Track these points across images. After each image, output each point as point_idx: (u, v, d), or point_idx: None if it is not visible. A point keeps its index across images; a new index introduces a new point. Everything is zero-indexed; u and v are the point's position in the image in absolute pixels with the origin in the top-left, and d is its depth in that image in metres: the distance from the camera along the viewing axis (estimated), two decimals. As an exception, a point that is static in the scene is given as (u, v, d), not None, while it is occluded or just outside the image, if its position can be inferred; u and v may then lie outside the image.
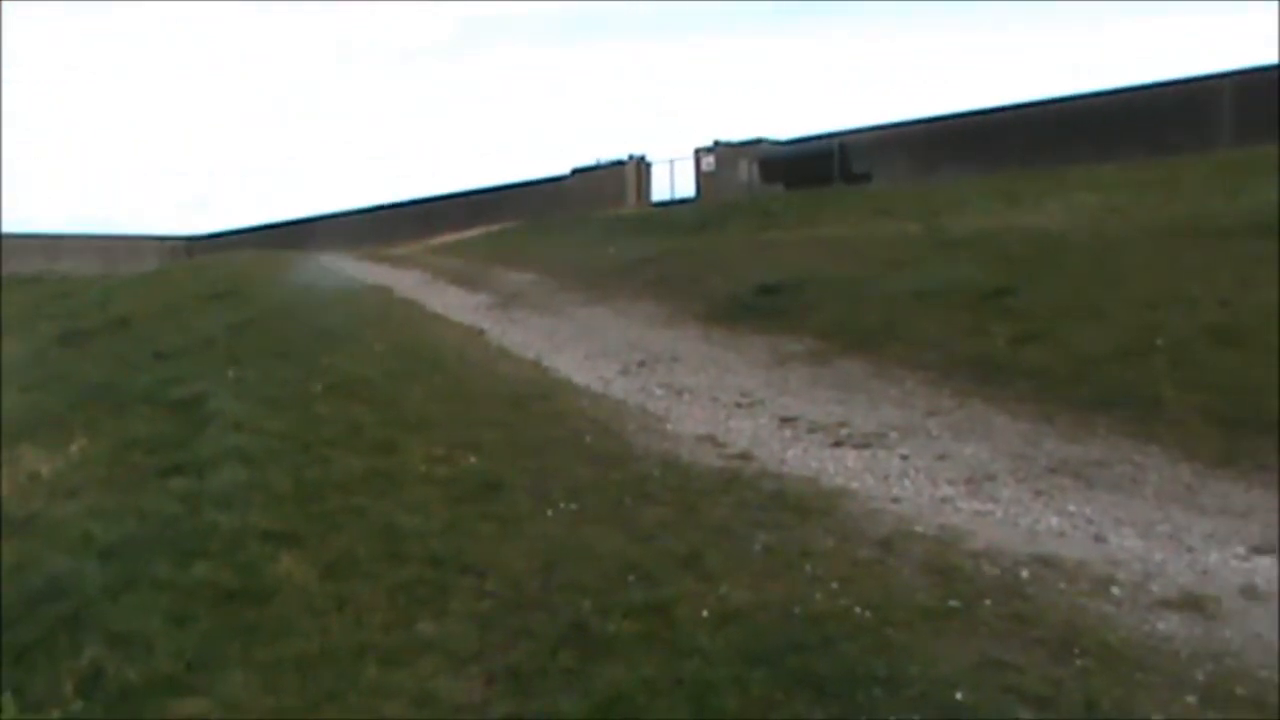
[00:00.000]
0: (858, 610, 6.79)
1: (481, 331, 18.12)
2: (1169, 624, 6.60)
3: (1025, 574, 7.35)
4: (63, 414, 14.33)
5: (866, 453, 10.46)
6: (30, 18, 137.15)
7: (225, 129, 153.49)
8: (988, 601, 6.88)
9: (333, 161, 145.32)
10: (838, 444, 10.82)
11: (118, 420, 13.45)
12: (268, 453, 11.07)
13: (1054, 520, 8.46)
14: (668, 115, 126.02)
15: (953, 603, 6.88)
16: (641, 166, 49.20)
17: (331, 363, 14.65)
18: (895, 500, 9.04)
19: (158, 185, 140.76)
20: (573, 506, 9.12)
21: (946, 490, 9.27)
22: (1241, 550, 7.71)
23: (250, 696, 6.81)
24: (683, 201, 44.72)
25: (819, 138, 41.26)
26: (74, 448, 12.59)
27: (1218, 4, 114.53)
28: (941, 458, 10.17)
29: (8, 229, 66.71)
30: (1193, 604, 6.86)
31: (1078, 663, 6.06)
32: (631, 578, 7.63)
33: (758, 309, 17.23)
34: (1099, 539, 8.05)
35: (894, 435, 10.95)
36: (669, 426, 11.72)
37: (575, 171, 51.12)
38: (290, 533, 9.00)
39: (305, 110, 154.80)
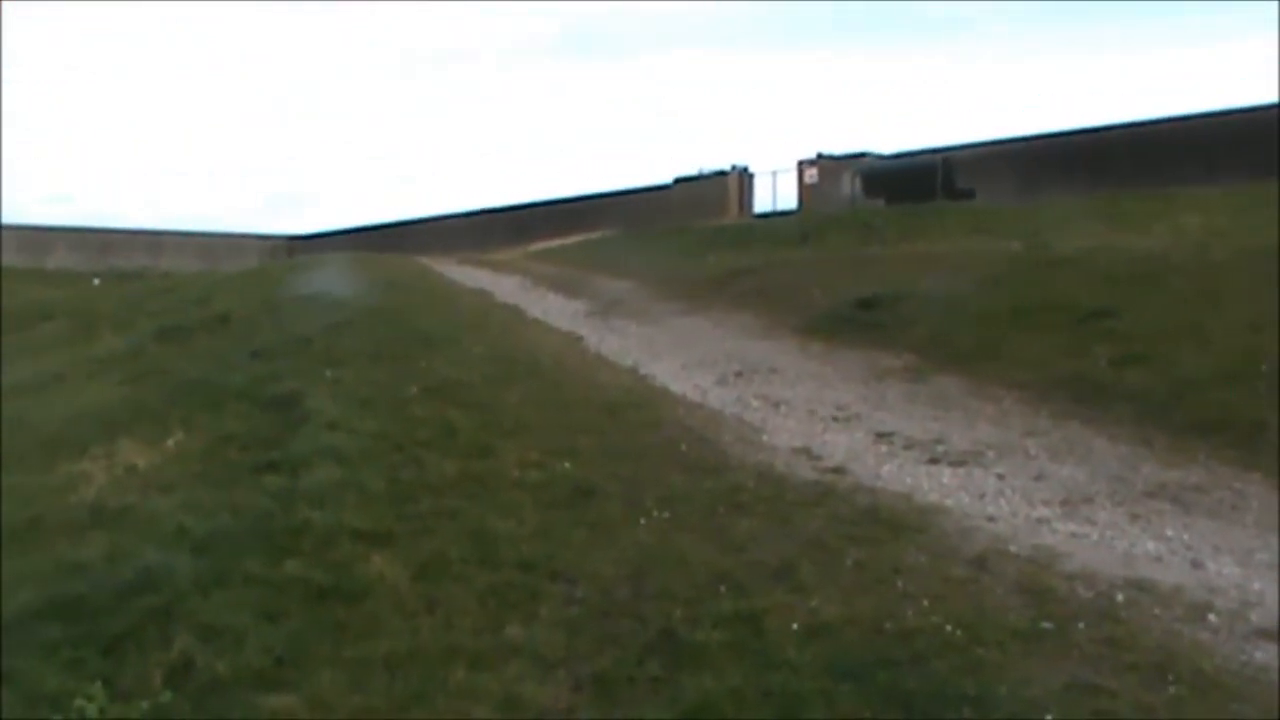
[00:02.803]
0: (949, 628, 6.75)
1: (580, 338, 18.15)
2: (1267, 654, 6.49)
3: (1120, 598, 7.27)
4: (160, 408, 14.45)
5: (962, 470, 10.39)
6: (123, 16, 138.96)
7: (323, 129, 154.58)
8: (1081, 624, 6.81)
9: (435, 164, 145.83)
10: (933, 461, 10.76)
11: (214, 416, 13.55)
12: (362, 453, 11.12)
13: (1150, 545, 8.36)
14: (772, 126, 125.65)
15: (1045, 624, 6.81)
16: (744, 177, 49.08)
17: (429, 365, 14.70)
18: (990, 519, 8.96)
19: (256, 185, 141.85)
20: (665, 515, 9.11)
21: (1042, 511, 9.19)
22: (1342, 582, 7.60)
23: (338, 694, 6.87)
24: (784, 214, 44.58)
25: (923, 153, 41.09)
26: (170, 442, 12.70)
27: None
28: (1038, 478, 10.10)
29: (111, 225, 67.84)
30: (1291, 635, 6.77)
31: (1171, 690, 5.99)
32: (722, 588, 7.62)
33: (856, 323, 17.19)
34: (1196, 565, 7.96)
35: (990, 454, 10.87)
36: (764, 438, 11.69)
37: (678, 181, 51.08)
38: (382, 533, 9.05)
39: (406, 111, 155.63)
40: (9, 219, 65.21)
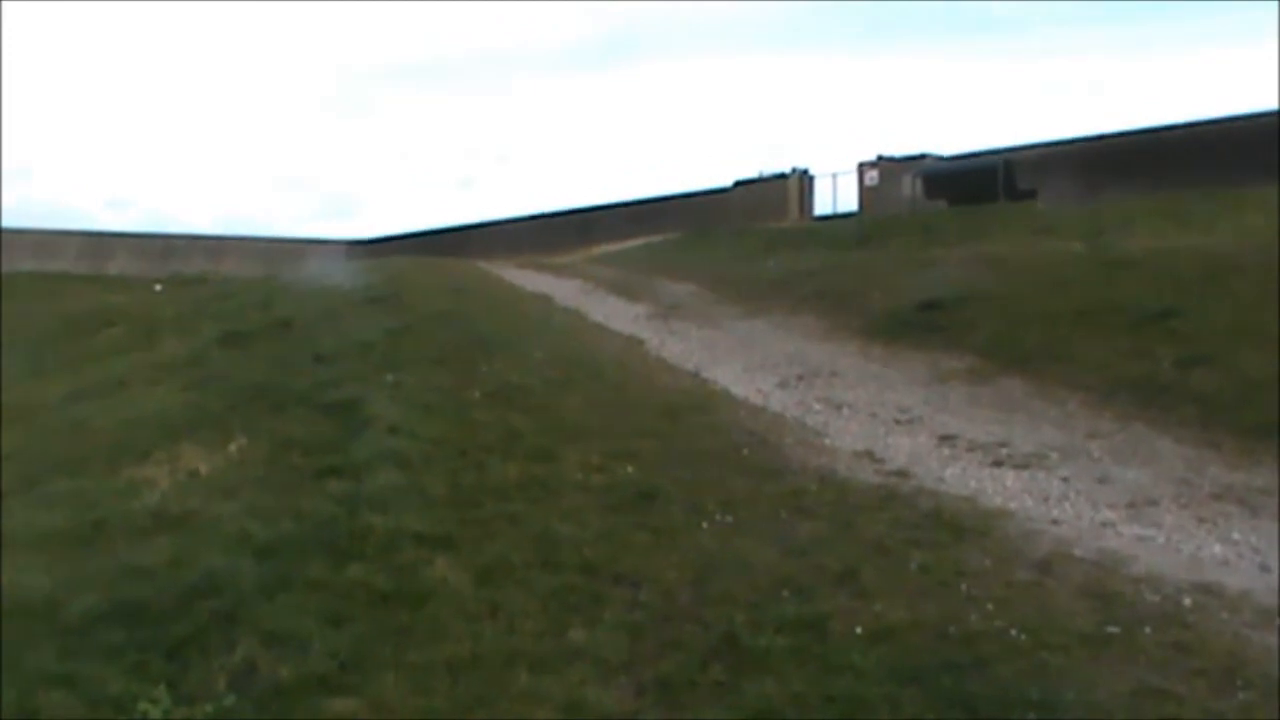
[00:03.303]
0: (1013, 632, 6.72)
1: (641, 342, 18.12)
2: (1338, 658, 6.43)
3: (1187, 602, 7.22)
4: (222, 414, 14.51)
5: (1026, 473, 10.36)
6: (179, 17, 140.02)
7: (381, 132, 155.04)
8: (1147, 629, 6.77)
9: (494, 168, 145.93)
10: (997, 464, 10.72)
11: (276, 421, 13.59)
12: (424, 457, 11.15)
13: (1217, 548, 8.30)
14: (831, 129, 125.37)
15: (1111, 628, 6.77)
16: (804, 180, 48.84)
17: (490, 369, 14.70)
18: (1054, 522, 8.93)
19: (314, 189, 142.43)
20: (728, 519, 9.11)
21: (1107, 514, 9.14)
22: None
23: (401, 698, 6.89)
24: (845, 216, 44.47)
25: (984, 154, 40.80)
26: (233, 447, 12.76)
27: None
28: (1102, 481, 10.04)
29: (171, 229, 68.56)
30: (1362, 639, 6.69)
31: (1240, 695, 5.94)
32: (785, 592, 7.62)
33: (918, 325, 17.12)
34: (1264, 568, 7.89)
35: (1054, 456, 10.83)
36: (827, 441, 11.68)
37: (737, 184, 50.91)
38: (445, 537, 9.07)
39: (464, 113, 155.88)
40: (72, 225, 66.25)
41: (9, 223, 62.28)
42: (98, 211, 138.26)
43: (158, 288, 43.99)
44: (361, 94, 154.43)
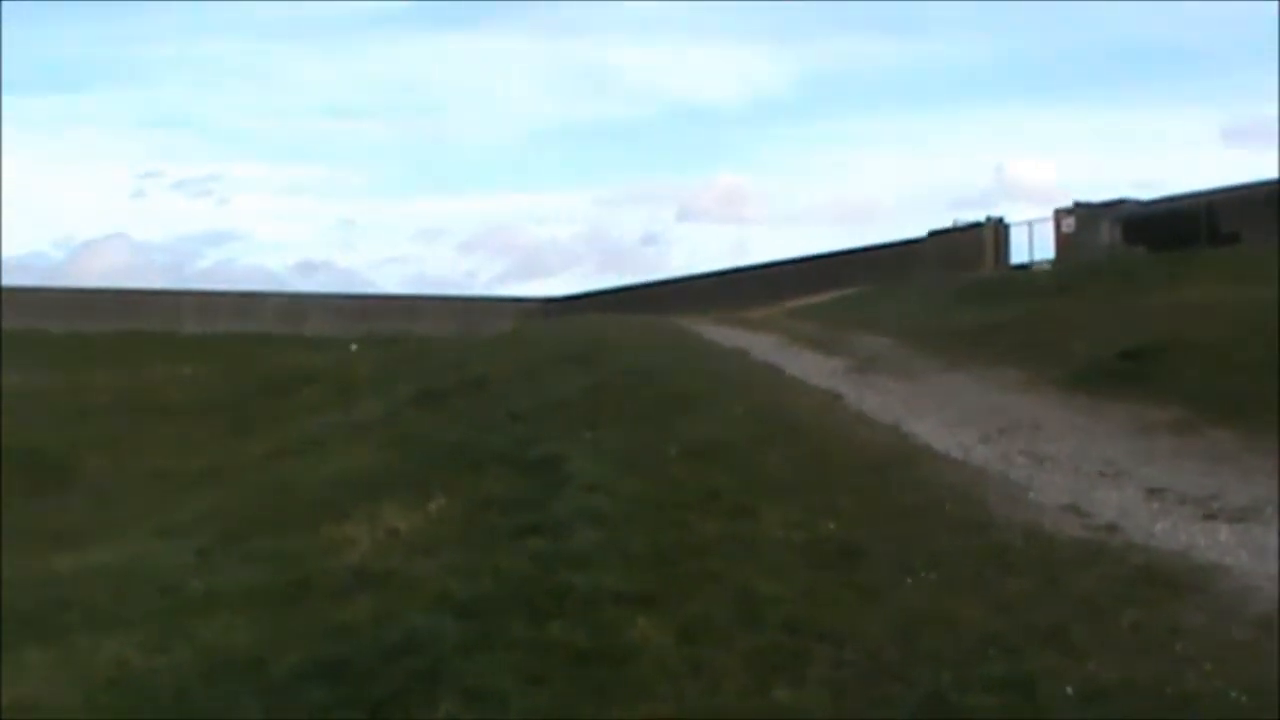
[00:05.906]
0: (1233, 694, 6.57)
1: (839, 396, 18.02)
2: None
3: None
4: (420, 472, 14.72)
5: (1240, 527, 10.10)
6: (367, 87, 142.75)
7: (569, 190, 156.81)
8: (1374, 688, 6.56)
9: (674, 227, 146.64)
10: (1209, 517, 10.48)
11: (474, 480, 13.76)
12: (623, 515, 11.19)
13: None
14: (1027, 176, 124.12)
15: (1336, 688, 6.58)
16: (999, 228, 48.51)
17: (688, 426, 14.72)
18: (1272, 578, 8.68)
19: (508, 248, 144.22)
20: (932, 575, 9.02)
21: (1327, 569, 8.88)
22: None
23: (603, 757, 6.90)
24: (1041, 264, 44.05)
25: (1185, 197, 40.17)
26: (432, 506, 12.94)
27: None
28: (1321, 535, 9.77)
29: (370, 290, 69.99)
30: None
31: None
32: (992, 650, 7.52)
33: (1120, 375, 16.85)
34: None
35: (1269, 510, 10.54)
36: (1031, 495, 11.52)
37: (932, 234, 50.73)
38: (646, 595, 9.08)
39: (643, 173, 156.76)
40: (269, 287, 68.21)
41: (208, 285, 64.42)
42: (288, 275, 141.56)
43: (354, 347, 44.85)
44: (549, 151, 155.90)
